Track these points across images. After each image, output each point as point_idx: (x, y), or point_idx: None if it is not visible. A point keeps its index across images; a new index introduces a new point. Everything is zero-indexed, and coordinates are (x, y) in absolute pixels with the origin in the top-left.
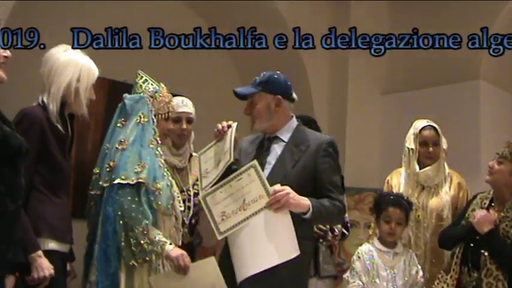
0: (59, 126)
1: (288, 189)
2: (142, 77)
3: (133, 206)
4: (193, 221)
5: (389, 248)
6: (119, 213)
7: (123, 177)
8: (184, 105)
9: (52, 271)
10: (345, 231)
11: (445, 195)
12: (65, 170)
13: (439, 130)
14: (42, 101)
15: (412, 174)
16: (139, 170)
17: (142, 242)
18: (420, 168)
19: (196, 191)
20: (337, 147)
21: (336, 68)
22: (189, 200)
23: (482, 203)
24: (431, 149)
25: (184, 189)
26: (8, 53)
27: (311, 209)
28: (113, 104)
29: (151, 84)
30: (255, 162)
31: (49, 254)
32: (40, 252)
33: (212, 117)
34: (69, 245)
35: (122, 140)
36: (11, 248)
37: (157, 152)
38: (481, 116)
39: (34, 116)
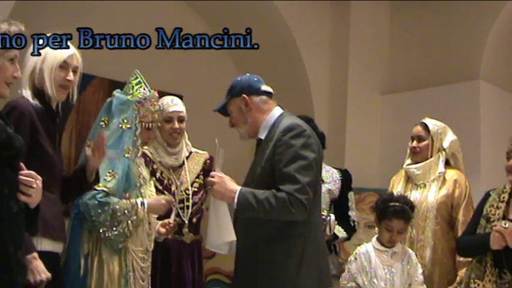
0: (34, 112)
1: (218, 177)
2: (137, 77)
3: (95, 203)
4: (194, 220)
5: (387, 248)
6: (86, 214)
7: None
8: (174, 104)
9: (48, 274)
10: (338, 233)
11: (433, 195)
12: (56, 163)
13: (430, 127)
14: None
15: (404, 170)
16: (109, 178)
17: (111, 227)
18: (413, 164)
19: (195, 189)
20: (295, 131)
21: (336, 68)
22: (188, 200)
23: (501, 198)
24: (414, 143)
25: (182, 188)
26: (18, 74)
27: (235, 201)
28: None
29: (143, 89)
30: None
31: (43, 256)
32: (35, 254)
33: (212, 117)
34: (63, 243)
35: None
36: (18, 250)
37: (132, 162)
38: (481, 116)
39: (23, 109)
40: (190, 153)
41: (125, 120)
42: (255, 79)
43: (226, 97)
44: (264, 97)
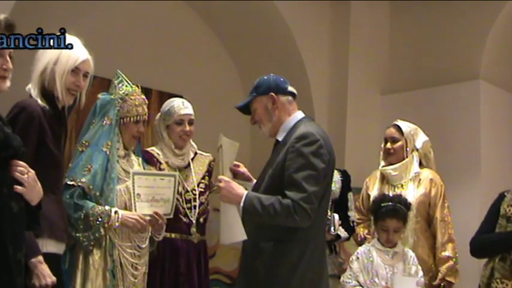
0: (47, 109)
1: (225, 182)
2: (118, 77)
3: (71, 204)
4: (201, 220)
5: (388, 248)
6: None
7: (71, 178)
8: (185, 107)
9: (54, 278)
10: (340, 233)
11: (411, 195)
12: (61, 164)
13: (403, 129)
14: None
15: (379, 171)
16: (85, 173)
17: (82, 230)
18: (387, 165)
19: (202, 190)
20: (308, 139)
21: (336, 68)
22: (195, 200)
23: None
24: (388, 145)
25: (189, 188)
26: (8, 65)
27: (241, 206)
28: None
29: (125, 86)
30: (176, 173)
31: (48, 258)
32: (41, 258)
33: (212, 117)
34: (65, 243)
35: (84, 142)
36: (18, 250)
37: (111, 156)
38: (481, 116)
39: (32, 110)
40: (195, 154)
41: (107, 118)
42: (282, 79)
43: (251, 94)
44: (290, 97)
